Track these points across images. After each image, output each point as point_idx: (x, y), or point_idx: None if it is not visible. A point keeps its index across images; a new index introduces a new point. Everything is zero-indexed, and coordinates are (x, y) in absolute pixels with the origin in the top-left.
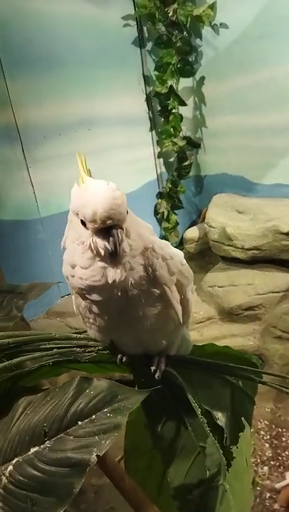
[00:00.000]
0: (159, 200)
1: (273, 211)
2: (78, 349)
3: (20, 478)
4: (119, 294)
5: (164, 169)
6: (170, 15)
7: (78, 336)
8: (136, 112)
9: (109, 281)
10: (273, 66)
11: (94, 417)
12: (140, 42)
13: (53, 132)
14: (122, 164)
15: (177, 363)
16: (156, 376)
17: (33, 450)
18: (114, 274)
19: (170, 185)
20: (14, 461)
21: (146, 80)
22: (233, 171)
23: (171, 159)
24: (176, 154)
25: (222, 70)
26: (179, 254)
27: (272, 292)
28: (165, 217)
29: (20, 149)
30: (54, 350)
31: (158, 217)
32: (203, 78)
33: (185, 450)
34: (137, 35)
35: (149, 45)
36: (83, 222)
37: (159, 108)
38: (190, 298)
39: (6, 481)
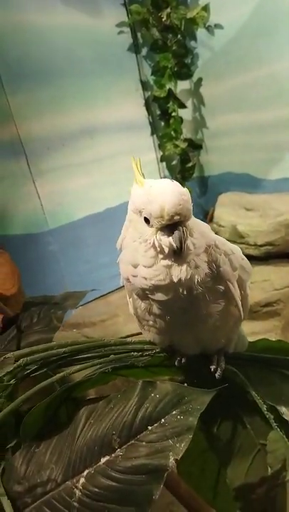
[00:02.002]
0: None
1: (282, 206)
2: (135, 353)
3: (95, 489)
4: (185, 293)
5: (167, 172)
6: (164, 19)
7: (133, 340)
8: (136, 118)
9: (175, 280)
10: (271, 63)
11: (163, 420)
12: (135, 48)
13: (56, 143)
14: (126, 170)
15: (234, 360)
16: (216, 375)
17: (104, 460)
18: (179, 273)
19: None
20: (85, 473)
21: (144, 85)
22: (238, 169)
23: (174, 162)
24: (178, 157)
25: (219, 70)
26: (238, 249)
27: None
28: None
29: (25, 162)
30: (111, 356)
31: None
32: (200, 79)
33: (243, 449)
34: (132, 42)
35: (145, 51)
36: (147, 220)
37: (158, 112)
38: (249, 293)
39: (80, 493)
